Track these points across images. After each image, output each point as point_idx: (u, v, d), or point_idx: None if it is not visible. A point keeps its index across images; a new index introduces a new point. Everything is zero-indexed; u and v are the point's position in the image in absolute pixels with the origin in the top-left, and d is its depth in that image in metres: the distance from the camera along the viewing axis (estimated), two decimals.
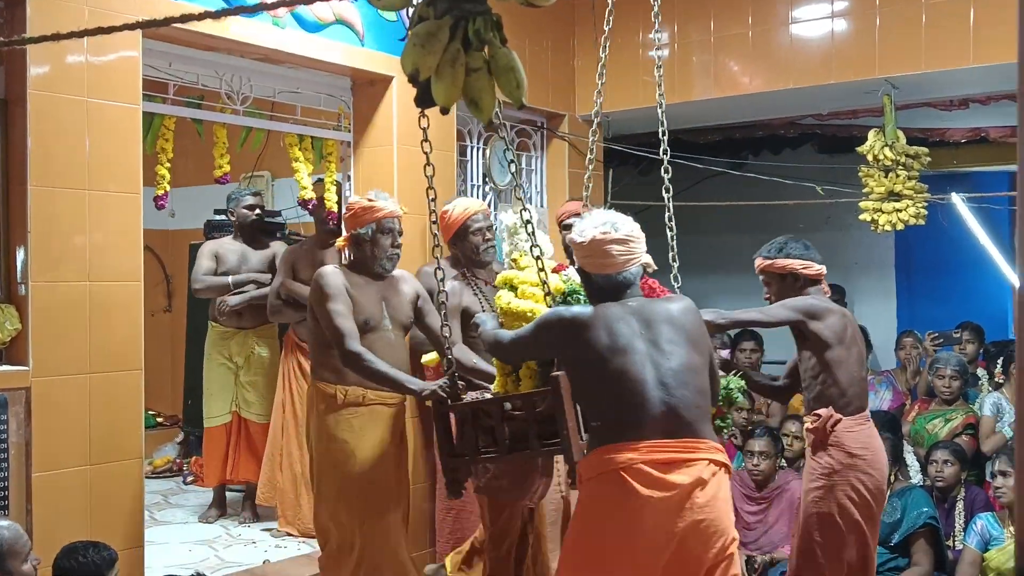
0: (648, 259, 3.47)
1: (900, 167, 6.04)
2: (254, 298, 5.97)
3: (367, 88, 5.61)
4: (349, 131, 5.71)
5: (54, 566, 3.28)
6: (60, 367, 4.14)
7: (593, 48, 4.45)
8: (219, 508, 6.28)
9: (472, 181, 6.35)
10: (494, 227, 4.85)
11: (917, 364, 6.74)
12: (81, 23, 4.04)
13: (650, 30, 6.51)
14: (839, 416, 4.11)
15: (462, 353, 4.29)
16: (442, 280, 3.82)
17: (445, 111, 1.74)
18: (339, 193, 5.77)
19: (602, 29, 4.36)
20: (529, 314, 3.84)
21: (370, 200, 4.30)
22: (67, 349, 4.17)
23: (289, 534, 5.87)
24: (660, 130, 4.25)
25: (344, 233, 4.41)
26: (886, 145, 6.06)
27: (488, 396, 3.92)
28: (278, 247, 6.17)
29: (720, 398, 3.81)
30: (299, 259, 5.79)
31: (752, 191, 7.64)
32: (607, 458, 3.15)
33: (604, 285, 3.36)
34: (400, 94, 5.45)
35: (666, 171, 4.22)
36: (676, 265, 4.11)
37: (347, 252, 4.48)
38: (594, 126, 4.56)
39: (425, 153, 3.63)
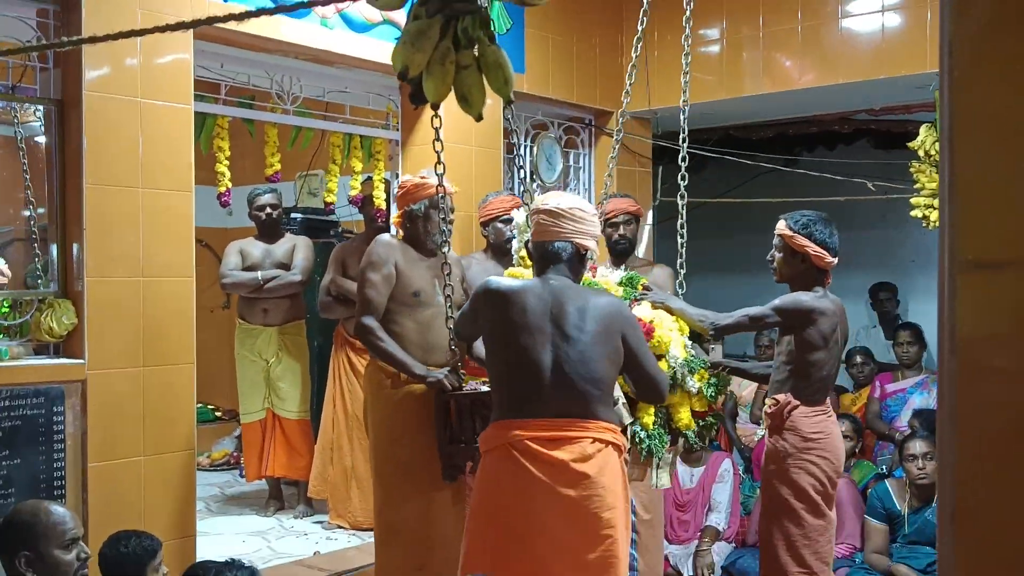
0: (592, 244, 3.58)
1: None
2: (285, 280, 6.08)
3: None
4: (397, 130, 5.79)
5: (99, 554, 3.37)
6: (115, 360, 4.27)
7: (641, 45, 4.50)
8: (277, 501, 6.40)
9: (519, 178, 6.40)
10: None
11: None
12: (134, 25, 4.15)
13: (700, 26, 6.52)
14: (796, 402, 4.13)
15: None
16: (449, 274, 3.99)
17: (436, 107, 1.79)
18: (387, 191, 5.85)
19: (651, 27, 4.42)
20: None
21: (422, 177, 4.36)
22: (121, 343, 4.29)
23: (340, 526, 5.96)
24: (681, 136, 4.38)
25: (396, 211, 4.46)
26: (937, 140, 5.97)
27: (486, 388, 4.00)
28: (299, 240, 6.27)
29: (712, 396, 3.98)
30: (349, 256, 5.88)
31: (806, 188, 7.57)
32: (499, 432, 3.37)
33: (533, 252, 3.57)
34: None
35: (683, 178, 4.35)
36: (683, 272, 4.27)
37: (399, 230, 4.54)
38: (619, 126, 4.64)
39: (436, 151, 3.73)
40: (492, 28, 1.73)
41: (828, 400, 4.24)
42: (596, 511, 3.28)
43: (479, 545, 3.41)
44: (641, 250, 6.96)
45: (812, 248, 4.13)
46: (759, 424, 6.44)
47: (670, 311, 4.05)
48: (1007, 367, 0.79)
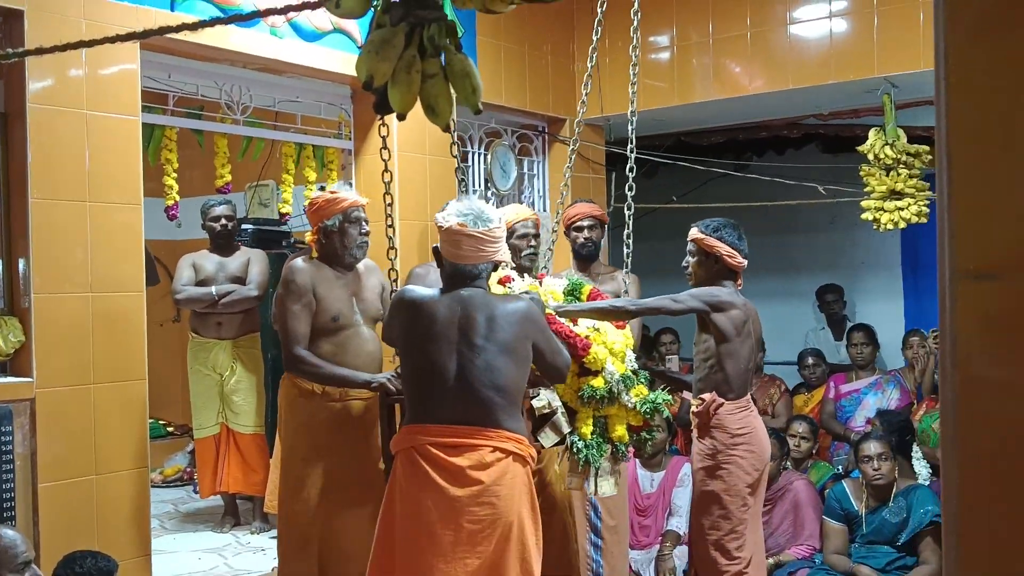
0: (506, 258, 3.60)
1: (901, 166, 6.03)
2: (241, 296, 5.97)
3: (367, 96, 5.60)
4: (350, 139, 5.74)
5: (53, 575, 3.29)
6: (64, 378, 4.18)
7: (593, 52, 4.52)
8: (233, 517, 6.30)
9: (473, 187, 6.37)
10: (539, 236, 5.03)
11: (924, 363, 6.72)
12: (79, 36, 4.07)
13: (650, 33, 6.55)
14: (721, 400, 4.26)
15: None
16: (395, 280, 4.12)
17: (402, 117, 1.75)
18: None
19: (602, 34, 4.47)
20: None
21: (332, 192, 4.33)
22: (71, 360, 4.20)
23: None
24: (629, 146, 4.47)
25: (311, 228, 4.43)
26: (887, 144, 6.05)
27: None
28: (252, 253, 6.15)
29: (647, 412, 4.05)
30: None
31: (756, 192, 7.64)
32: (405, 436, 3.44)
33: (451, 272, 3.53)
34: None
35: (630, 188, 4.48)
36: (627, 277, 4.55)
37: (315, 247, 4.50)
38: (576, 135, 4.71)
39: (383, 160, 3.75)
40: (459, 36, 1.71)
41: (749, 395, 4.37)
42: (485, 517, 3.31)
43: (380, 549, 3.46)
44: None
45: (722, 248, 4.31)
46: None
47: (580, 315, 4.10)
48: (1010, 379, 0.78)
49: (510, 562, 3.35)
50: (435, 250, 3.60)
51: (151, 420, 5.20)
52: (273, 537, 6.00)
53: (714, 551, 4.24)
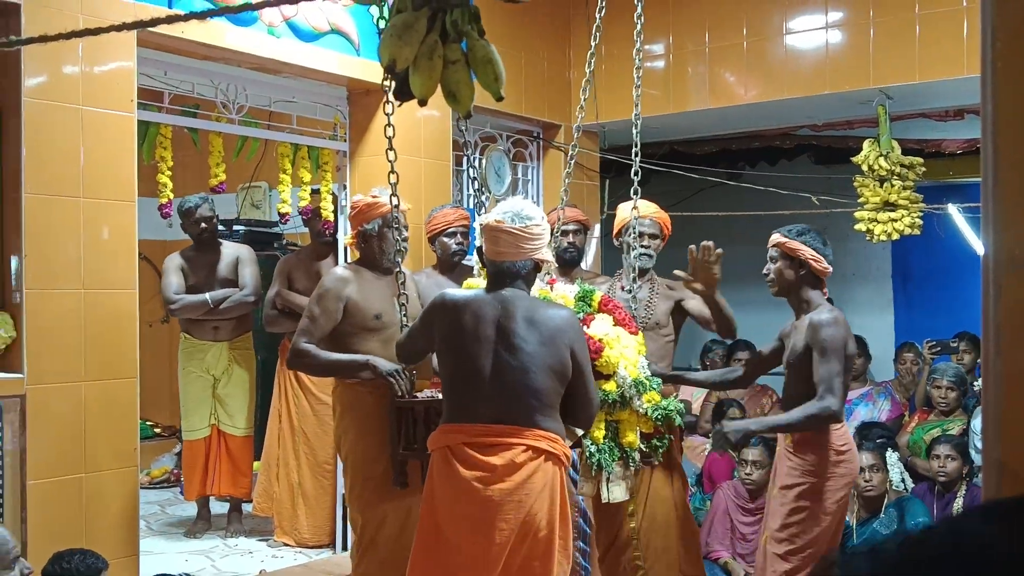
0: (548, 257, 3.59)
1: (895, 177, 6.05)
2: (237, 301, 5.91)
3: (363, 97, 5.62)
4: (345, 140, 5.72)
5: (42, 572, 3.26)
6: (55, 375, 4.14)
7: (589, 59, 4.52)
8: (205, 521, 6.22)
9: (468, 190, 6.37)
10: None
11: (915, 376, 6.74)
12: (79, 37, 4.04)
13: (646, 41, 6.55)
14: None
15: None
16: (403, 284, 4.08)
17: (423, 103, 1.73)
18: (335, 203, 5.77)
19: (598, 41, 4.45)
20: None
21: (374, 196, 4.32)
22: (62, 357, 4.17)
23: (286, 544, 5.85)
24: (634, 151, 4.43)
25: (349, 232, 4.41)
26: (881, 155, 6.07)
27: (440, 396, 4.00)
28: (240, 252, 6.04)
29: (659, 418, 4.02)
30: (294, 269, 5.79)
31: (748, 202, 7.65)
32: (441, 435, 3.45)
33: (492, 271, 3.54)
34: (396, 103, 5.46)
35: (635, 192, 4.42)
36: (636, 282, 4.47)
37: (352, 250, 4.50)
38: (575, 140, 4.69)
39: (389, 161, 3.75)
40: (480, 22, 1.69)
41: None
42: (515, 516, 3.31)
43: (420, 547, 3.46)
44: (589, 262, 6.97)
45: (807, 252, 4.13)
46: (708, 436, 6.46)
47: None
48: None
49: (534, 561, 3.34)
50: (478, 250, 3.63)
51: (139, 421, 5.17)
52: (262, 539, 5.99)
53: (795, 559, 4.12)
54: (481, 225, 3.53)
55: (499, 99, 1.85)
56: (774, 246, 4.22)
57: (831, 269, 4.22)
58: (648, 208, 4.73)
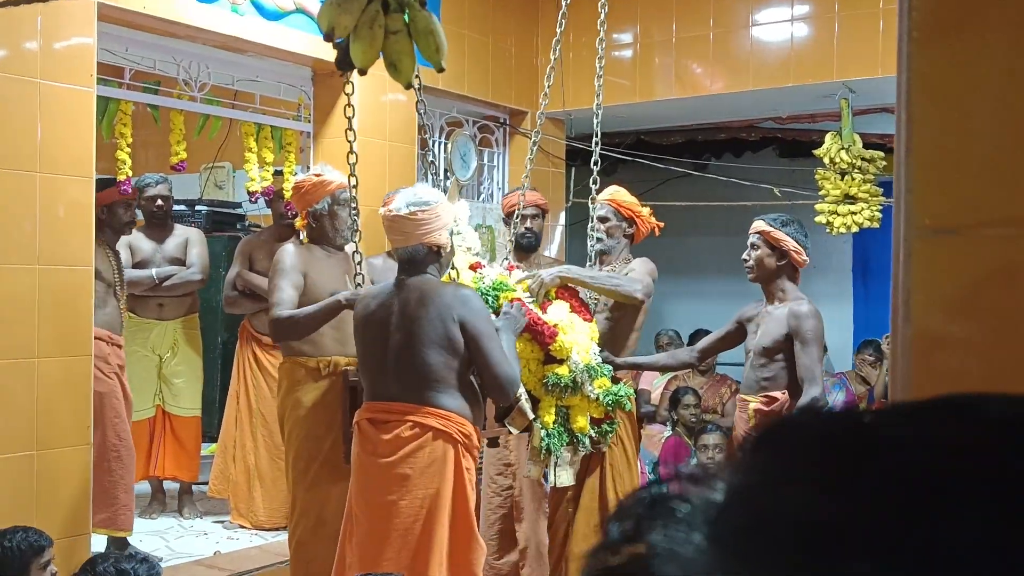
0: (442, 239, 3.58)
1: (856, 170, 6.10)
2: (184, 279, 5.86)
3: (328, 78, 5.58)
4: (309, 121, 5.69)
5: None
6: (7, 351, 4.09)
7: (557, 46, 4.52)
8: (160, 504, 6.16)
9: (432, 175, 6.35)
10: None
11: (877, 368, 6.81)
12: (36, 5, 3.99)
13: (613, 30, 6.56)
14: (791, 400, 4.13)
15: None
16: (359, 263, 4.16)
17: (363, 72, 1.73)
18: None
19: (566, 28, 4.45)
20: None
21: (317, 175, 4.29)
22: (14, 332, 4.11)
23: (241, 526, 5.81)
24: (594, 140, 4.51)
25: (299, 213, 4.38)
26: (843, 148, 6.12)
27: None
28: (190, 233, 5.96)
29: (609, 404, 4.08)
30: (255, 250, 5.74)
31: (713, 193, 7.69)
32: (359, 413, 3.68)
33: (397, 261, 3.70)
34: (361, 84, 5.42)
35: (594, 182, 4.52)
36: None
37: (305, 231, 4.46)
38: (538, 127, 4.68)
39: (349, 141, 3.75)
40: None
41: None
42: (397, 490, 3.44)
43: (345, 519, 3.67)
44: (554, 250, 6.98)
45: (790, 243, 4.17)
46: (666, 424, 6.50)
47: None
48: (963, 335, 0.78)
49: (421, 538, 3.43)
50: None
51: None
52: (217, 521, 5.95)
53: None
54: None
55: (440, 70, 1.86)
56: (757, 233, 4.25)
57: (808, 261, 4.26)
58: (608, 193, 4.71)
